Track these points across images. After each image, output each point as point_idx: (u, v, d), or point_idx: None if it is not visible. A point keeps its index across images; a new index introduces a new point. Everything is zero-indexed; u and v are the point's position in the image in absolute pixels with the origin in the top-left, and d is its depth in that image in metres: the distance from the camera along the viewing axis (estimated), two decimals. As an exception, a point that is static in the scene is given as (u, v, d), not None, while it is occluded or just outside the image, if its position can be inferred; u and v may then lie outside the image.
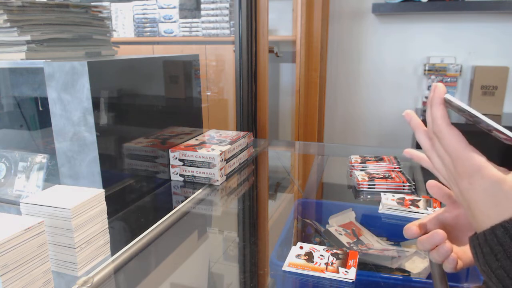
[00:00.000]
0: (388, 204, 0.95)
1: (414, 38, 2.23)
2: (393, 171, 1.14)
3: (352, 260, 0.70)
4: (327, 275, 0.67)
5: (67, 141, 0.85)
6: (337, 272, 0.67)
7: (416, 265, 0.75)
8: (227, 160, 1.12)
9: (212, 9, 2.26)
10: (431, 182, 0.51)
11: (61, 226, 0.64)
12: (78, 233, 0.65)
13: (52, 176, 0.92)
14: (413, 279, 0.71)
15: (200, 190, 1.05)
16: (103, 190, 0.70)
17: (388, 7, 2.09)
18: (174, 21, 2.40)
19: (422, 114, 2.12)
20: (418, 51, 2.24)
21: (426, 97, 2.20)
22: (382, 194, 1.01)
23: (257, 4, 1.51)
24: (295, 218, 0.97)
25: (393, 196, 0.99)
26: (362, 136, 2.45)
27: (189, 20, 2.37)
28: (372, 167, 1.17)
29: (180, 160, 1.09)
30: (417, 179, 1.15)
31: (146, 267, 0.75)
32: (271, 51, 2.15)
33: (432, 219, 0.52)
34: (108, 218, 0.73)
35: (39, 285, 0.58)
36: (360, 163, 1.20)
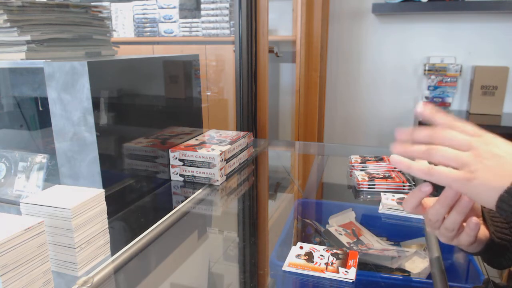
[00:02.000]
0: (388, 204, 0.95)
1: (414, 38, 2.23)
2: (393, 171, 1.14)
3: (352, 260, 0.70)
4: (327, 275, 0.67)
5: (67, 141, 0.85)
6: (337, 272, 0.67)
7: (416, 265, 0.75)
8: (227, 160, 1.12)
9: (212, 9, 2.26)
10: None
11: (61, 226, 0.64)
12: (78, 233, 0.65)
13: (52, 176, 0.92)
14: (413, 279, 0.71)
15: (200, 190, 1.05)
16: (103, 190, 0.70)
17: (388, 7, 2.09)
18: (174, 21, 2.40)
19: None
20: (418, 51, 2.24)
21: (426, 97, 2.20)
22: (382, 194, 1.01)
23: (257, 4, 1.51)
24: (295, 218, 0.97)
25: (393, 196, 0.99)
26: (362, 136, 2.45)
27: (189, 20, 2.37)
28: (372, 167, 1.17)
29: (180, 160, 1.09)
30: (417, 179, 1.15)
31: (146, 267, 0.75)
32: (271, 51, 2.15)
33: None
34: (108, 218, 0.73)
35: (39, 285, 0.58)
36: (360, 163, 1.20)
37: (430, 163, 0.46)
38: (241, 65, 1.53)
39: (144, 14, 2.47)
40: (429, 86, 2.19)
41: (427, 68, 2.16)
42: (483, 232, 0.55)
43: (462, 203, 0.48)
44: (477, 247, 0.55)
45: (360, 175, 1.10)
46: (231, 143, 1.16)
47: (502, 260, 0.56)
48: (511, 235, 0.55)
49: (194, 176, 1.09)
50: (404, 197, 0.98)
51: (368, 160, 1.22)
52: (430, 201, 0.52)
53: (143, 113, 1.02)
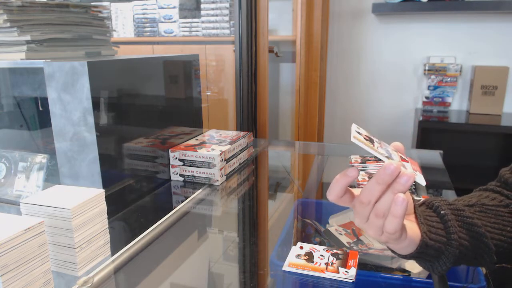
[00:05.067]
0: (388, 204, 0.95)
1: (414, 38, 2.23)
2: (393, 171, 1.14)
3: (352, 260, 0.70)
4: (327, 275, 0.67)
5: (67, 141, 0.85)
6: (337, 272, 0.67)
7: (416, 265, 0.75)
8: (227, 160, 1.12)
9: (212, 9, 2.26)
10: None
11: (61, 226, 0.64)
12: (78, 233, 0.65)
13: (52, 176, 0.92)
14: (413, 279, 0.71)
15: (200, 190, 1.05)
16: (103, 190, 0.70)
17: (388, 7, 2.09)
18: (174, 21, 2.40)
19: (422, 114, 2.12)
20: (418, 51, 2.24)
21: (426, 97, 2.20)
22: (382, 194, 1.00)
23: (257, 4, 1.51)
24: (295, 218, 0.97)
25: (393, 196, 0.99)
26: (362, 136, 2.44)
27: (189, 20, 2.37)
28: (372, 167, 1.17)
29: (180, 160, 1.09)
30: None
31: (146, 267, 0.75)
32: (271, 51, 2.15)
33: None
34: (108, 218, 0.73)
35: (39, 285, 0.58)
36: (360, 163, 1.20)
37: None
38: (241, 65, 1.53)
39: (144, 14, 2.47)
40: (429, 86, 2.19)
41: (427, 68, 2.16)
42: (415, 231, 0.49)
43: (401, 181, 0.42)
44: (408, 248, 0.49)
45: (360, 175, 1.10)
46: (231, 143, 1.16)
47: (437, 265, 0.51)
48: (446, 237, 0.51)
49: (194, 176, 1.09)
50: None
51: (368, 160, 1.22)
52: (357, 191, 0.47)
53: (143, 113, 1.02)
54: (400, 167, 0.42)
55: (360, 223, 0.48)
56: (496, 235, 0.54)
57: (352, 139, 0.43)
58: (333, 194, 0.46)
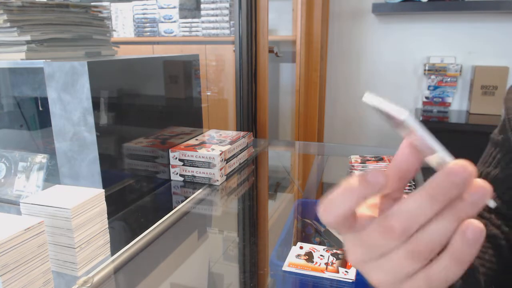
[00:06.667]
0: (388, 204, 0.95)
1: (414, 38, 2.23)
2: (393, 171, 1.14)
3: (352, 260, 0.70)
4: (327, 275, 0.67)
5: (67, 141, 0.85)
6: (337, 272, 0.67)
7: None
8: (227, 160, 1.12)
9: (212, 9, 2.26)
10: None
11: (61, 226, 0.64)
12: (78, 233, 0.65)
13: (52, 176, 0.92)
14: (413, 279, 0.71)
15: (200, 190, 1.05)
16: (103, 190, 0.70)
17: (388, 7, 2.09)
18: (174, 21, 2.40)
19: (422, 114, 2.12)
20: (418, 51, 2.24)
21: (426, 97, 2.20)
22: (382, 194, 1.00)
23: (257, 4, 1.51)
24: (295, 218, 0.97)
25: (393, 196, 0.99)
26: (362, 136, 2.45)
27: (189, 20, 2.37)
28: (372, 167, 1.17)
29: (180, 160, 1.09)
30: (417, 178, 1.15)
31: (146, 267, 0.75)
32: (271, 51, 2.15)
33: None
34: (108, 218, 0.73)
35: (39, 285, 0.58)
36: (360, 163, 1.20)
37: None
38: (241, 65, 1.53)
39: (144, 14, 2.47)
40: (429, 86, 2.19)
41: (427, 68, 2.16)
42: None
43: (475, 197, 0.25)
44: None
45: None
46: (231, 143, 1.16)
47: None
48: None
49: (194, 176, 1.09)
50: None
51: (368, 160, 1.22)
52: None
53: (143, 113, 1.02)
54: (474, 173, 0.24)
55: (360, 261, 0.29)
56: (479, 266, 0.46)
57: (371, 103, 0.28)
58: (333, 214, 0.28)
